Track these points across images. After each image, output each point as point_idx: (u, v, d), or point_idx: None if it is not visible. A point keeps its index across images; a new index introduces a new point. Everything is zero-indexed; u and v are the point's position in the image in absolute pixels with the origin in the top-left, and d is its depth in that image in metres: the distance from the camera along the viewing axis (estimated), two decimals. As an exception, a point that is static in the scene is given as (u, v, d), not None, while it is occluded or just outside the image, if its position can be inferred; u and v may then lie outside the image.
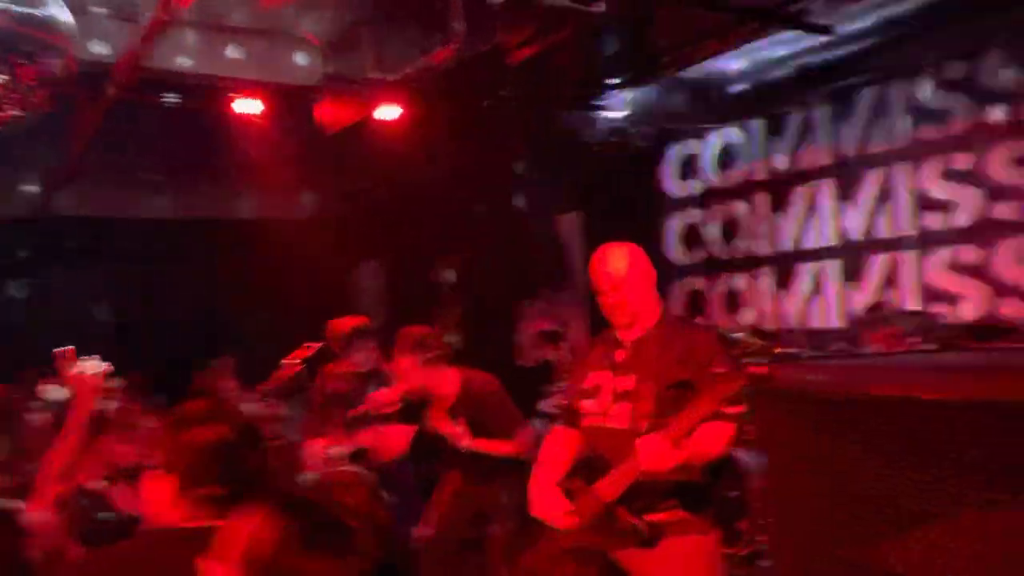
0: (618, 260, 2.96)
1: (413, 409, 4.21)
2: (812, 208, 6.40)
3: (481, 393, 4.03)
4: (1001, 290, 5.30)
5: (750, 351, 2.73)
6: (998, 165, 5.32)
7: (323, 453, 4.94)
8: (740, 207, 6.97)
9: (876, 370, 2.85)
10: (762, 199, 6.79)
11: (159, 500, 1.83)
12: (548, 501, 2.94)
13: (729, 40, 5.22)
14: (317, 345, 5.42)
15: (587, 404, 2.99)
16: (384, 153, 7.27)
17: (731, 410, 2.74)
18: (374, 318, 11.24)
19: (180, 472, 1.81)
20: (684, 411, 2.69)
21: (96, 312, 10.02)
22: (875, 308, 5.49)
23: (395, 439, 4.15)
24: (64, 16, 3.59)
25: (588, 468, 2.93)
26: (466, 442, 3.98)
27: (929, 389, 1.87)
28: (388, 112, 5.56)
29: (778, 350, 2.69)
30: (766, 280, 6.77)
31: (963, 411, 1.79)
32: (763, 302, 6.78)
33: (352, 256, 11.25)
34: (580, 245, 8.39)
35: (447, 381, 4.06)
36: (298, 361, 5.50)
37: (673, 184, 7.52)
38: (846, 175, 6.16)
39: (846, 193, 6.18)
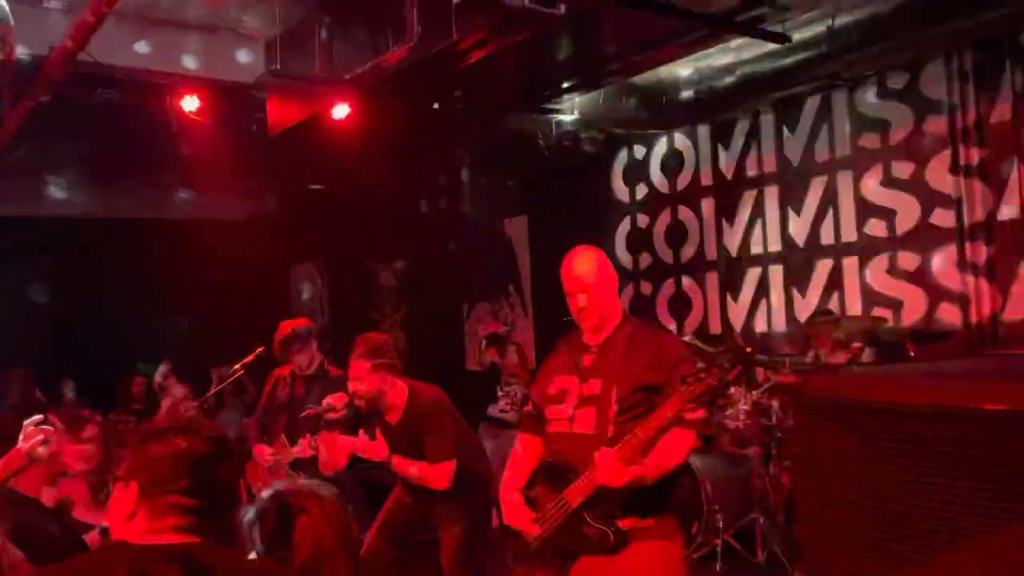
0: (588, 262, 2.96)
1: (361, 417, 4.12)
2: (758, 214, 6.50)
3: (426, 410, 3.96)
4: (938, 295, 5.46)
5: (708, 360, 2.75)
6: (936, 173, 5.48)
7: (268, 461, 4.81)
8: (687, 212, 7.04)
9: (911, 379, 2.86)
10: (708, 204, 6.87)
11: (120, 511, 1.71)
12: (514, 508, 2.91)
13: (683, 46, 5.26)
14: (257, 350, 5.27)
15: (553, 409, 2.96)
16: (329, 153, 7.12)
17: (691, 416, 2.75)
18: (315, 320, 11.09)
19: (144, 481, 1.70)
20: (645, 420, 2.68)
21: (25, 315, 9.60)
22: (823, 313, 5.59)
23: (340, 448, 4.04)
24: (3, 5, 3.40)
25: (554, 474, 2.89)
26: (383, 456, 3.91)
27: (973, 398, 1.86)
28: (337, 111, 5.44)
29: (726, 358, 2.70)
30: (712, 285, 6.85)
31: (1011, 421, 1.78)
32: (709, 306, 6.86)
33: (293, 257, 11.05)
34: (528, 248, 8.39)
35: (396, 391, 3.99)
36: (238, 366, 5.34)
37: (621, 189, 7.56)
38: (791, 182, 6.27)
39: (791, 200, 6.28)
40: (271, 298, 10.78)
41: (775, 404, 5.12)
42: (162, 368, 7.55)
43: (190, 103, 5.74)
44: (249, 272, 9.75)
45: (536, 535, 2.86)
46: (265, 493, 1.90)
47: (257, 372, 5.70)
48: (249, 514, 1.87)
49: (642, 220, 7.41)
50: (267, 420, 5.07)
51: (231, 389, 6.98)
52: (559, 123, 6.69)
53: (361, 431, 3.98)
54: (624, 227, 7.54)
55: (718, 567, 4.98)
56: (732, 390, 5.17)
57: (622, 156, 7.52)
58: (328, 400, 4.11)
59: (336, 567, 1.77)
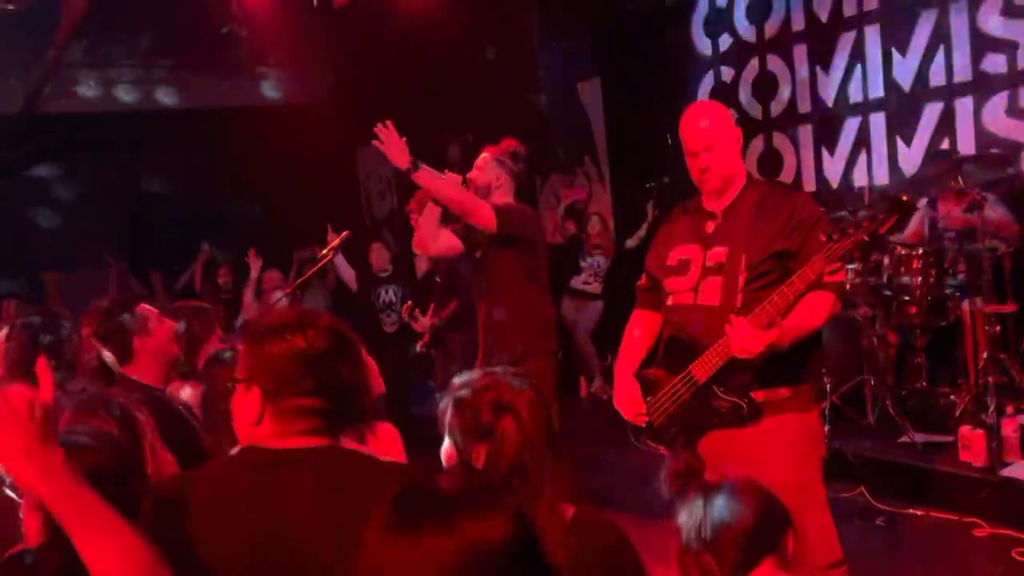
0: (712, 117, 2.70)
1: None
2: (857, 58, 6.00)
3: (517, 210, 3.88)
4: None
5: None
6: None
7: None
8: (776, 62, 6.56)
9: None
10: (801, 51, 6.37)
11: (245, 416, 1.61)
12: (627, 395, 2.78)
13: None
14: (344, 234, 5.17)
15: (673, 281, 2.78)
16: (393, 25, 6.81)
17: (831, 278, 2.53)
18: (384, 201, 11.02)
19: (266, 385, 1.57)
20: (785, 285, 2.48)
21: (95, 210, 9.74)
22: (938, 154, 5.16)
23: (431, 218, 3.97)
24: None
25: (678, 349, 2.75)
26: (405, 160, 3.71)
27: None
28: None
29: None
30: (806, 139, 6.44)
31: None
32: (803, 163, 6.48)
33: (360, 140, 10.85)
34: (602, 113, 8.00)
35: (501, 195, 3.87)
36: (327, 251, 5.26)
37: (702, 41, 7.06)
38: (895, 19, 5.73)
39: (895, 39, 5.76)
40: (340, 182, 10.71)
41: (885, 261, 4.84)
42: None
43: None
44: (318, 156, 9.64)
45: (660, 411, 2.75)
46: (461, 385, 1.76)
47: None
48: (443, 402, 1.76)
49: (727, 73, 6.94)
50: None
51: (316, 273, 6.97)
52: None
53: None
54: (707, 82, 7.09)
55: (827, 430, 4.87)
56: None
57: (702, 5, 6.99)
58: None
59: (543, 475, 1.65)
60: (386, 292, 7.12)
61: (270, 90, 9.55)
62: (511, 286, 3.83)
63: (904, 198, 2.38)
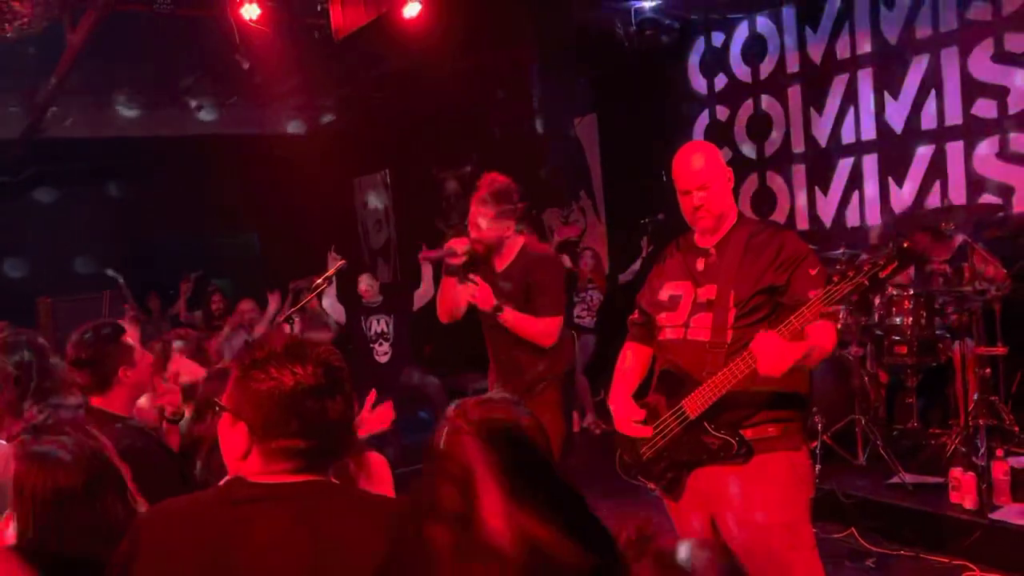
0: (705, 157, 2.73)
1: (472, 268, 3.80)
2: (850, 100, 6.09)
3: (538, 260, 3.72)
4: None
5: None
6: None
7: None
8: (771, 102, 6.65)
9: None
10: (795, 92, 6.46)
11: (233, 450, 1.60)
12: (626, 412, 2.79)
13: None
14: (339, 264, 5.19)
15: (665, 316, 2.80)
16: (393, 57, 6.89)
17: (828, 308, 2.55)
18: (380, 232, 11.05)
19: (252, 423, 1.55)
20: (796, 313, 2.45)
21: (94, 235, 9.76)
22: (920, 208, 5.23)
23: (456, 294, 3.78)
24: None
25: (670, 383, 2.76)
26: (491, 304, 3.59)
27: None
28: (408, 9, 5.17)
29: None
30: (799, 178, 6.51)
31: None
32: (796, 201, 6.54)
33: (357, 169, 10.93)
34: (598, 149, 8.09)
35: (513, 241, 3.72)
36: (321, 280, 5.28)
37: (698, 80, 7.16)
38: (888, 63, 5.83)
39: (888, 82, 5.85)
40: (337, 211, 10.76)
41: (876, 301, 4.87)
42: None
43: (250, 11, 5.53)
44: (315, 186, 9.70)
45: (649, 445, 2.75)
46: (457, 414, 1.75)
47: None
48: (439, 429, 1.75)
49: (721, 113, 7.03)
50: None
51: (312, 303, 6.98)
52: (634, 10, 6.31)
53: (478, 278, 3.69)
54: (702, 121, 7.18)
55: (818, 469, 4.86)
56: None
57: (699, 45, 7.09)
58: (451, 244, 3.73)
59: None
60: (377, 322, 7.13)
61: (270, 120, 9.63)
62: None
63: (906, 245, 2.40)
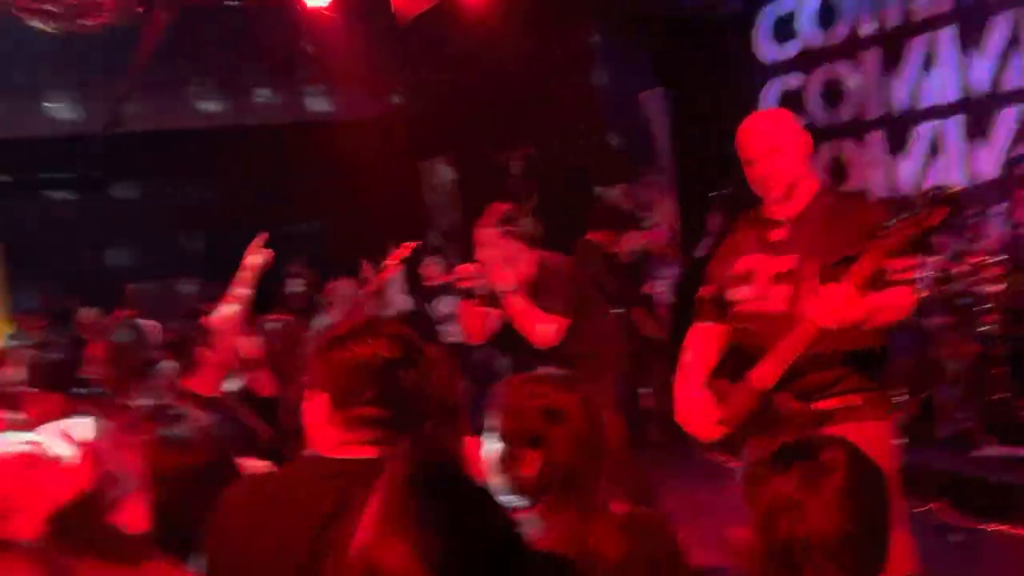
0: (772, 123, 2.67)
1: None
2: (930, 61, 5.85)
3: (548, 273, 3.78)
4: None
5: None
6: None
7: None
8: (845, 68, 6.44)
9: None
10: (870, 56, 6.24)
11: (315, 422, 1.66)
12: (693, 408, 2.75)
13: None
14: (413, 245, 5.26)
15: (739, 291, 2.74)
16: (456, 40, 6.91)
17: (904, 275, 2.46)
18: (447, 215, 11.14)
19: (332, 392, 1.61)
20: (854, 265, 2.34)
21: (169, 225, 10.07)
22: (1019, 159, 4.99)
23: (477, 319, 3.93)
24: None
25: (741, 357, 2.71)
26: (506, 285, 3.65)
27: None
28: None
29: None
30: (876, 145, 6.30)
31: None
32: (873, 169, 6.34)
33: (422, 153, 11.00)
34: (665, 123, 7.97)
35: (524, 260, 3.80)
36: (396, 262, 5.35)
37: (768, 48, 6.98)
38: (971, 20, 5.58)
39: (971, 41, 5.60)
40: (403, 195, 10.86)
41: (961, 270, 4.70)
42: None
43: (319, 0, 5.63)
44: (380, 171, 9.80)
45: (723, 421, 2.71)
46: (508, 388, 1.77)
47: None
48: (490, 404, 1.77)
49: (793, 81, 6.85)
50: None
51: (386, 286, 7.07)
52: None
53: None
54: (772, 90, 7.00)
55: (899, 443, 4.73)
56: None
57: (768, 11, 6.91)
58: (464, 268, 3.94)
59: (597, 479, 1.65)
60: (443, 304, 7.19)
61: (336, 107, 9.77)
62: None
63: (952, 191, 2.30)
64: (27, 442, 1.41)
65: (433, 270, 7.18)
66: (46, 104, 8.31)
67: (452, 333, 7.17)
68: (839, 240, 2.52)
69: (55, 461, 1.37)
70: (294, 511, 1.57)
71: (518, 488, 1.71)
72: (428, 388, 1.67)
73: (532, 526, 1.64)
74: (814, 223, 2.61)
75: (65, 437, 1.44)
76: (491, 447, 1.76)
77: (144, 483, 1.83)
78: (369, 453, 1.59)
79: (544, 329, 3.69)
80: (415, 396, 1.63)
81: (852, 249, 2.51)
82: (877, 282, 2.39)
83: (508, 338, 3.96)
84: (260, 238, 3.61)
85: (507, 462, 1.72)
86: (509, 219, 3.79)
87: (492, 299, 3.84)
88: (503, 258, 3.76)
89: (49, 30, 3.83)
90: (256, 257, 3.60)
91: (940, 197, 2.27)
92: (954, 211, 2.27)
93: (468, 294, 3.90)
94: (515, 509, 1.68)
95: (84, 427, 1.49)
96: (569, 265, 3.96)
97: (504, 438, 1.74)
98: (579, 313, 3.76)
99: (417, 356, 1.65)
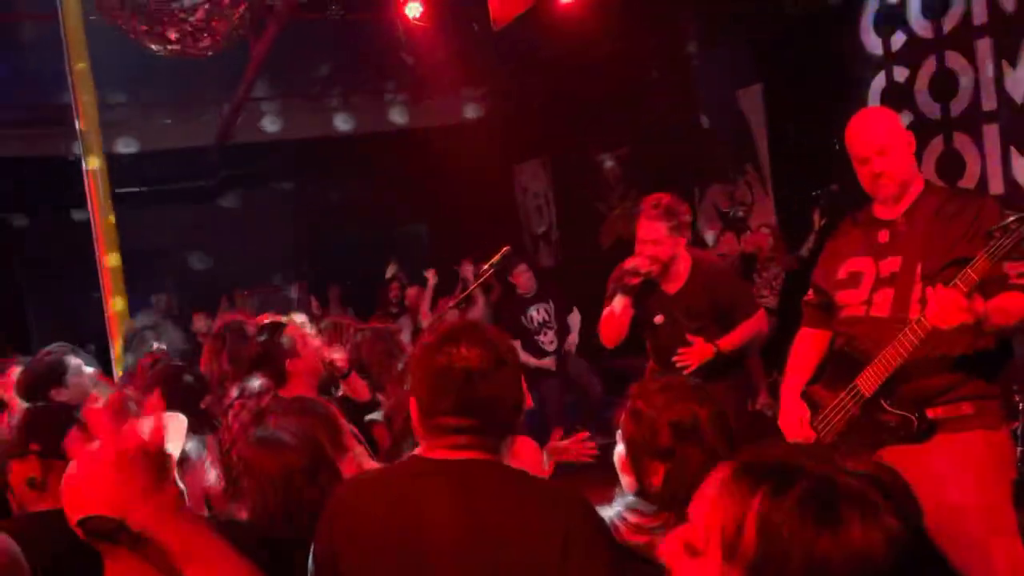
0: (883, 122, 2.61)
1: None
2: (1050, 49, 5.53)
3: (714, 271, 3.74)
4: None
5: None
6: None
7: None
8: (957, 58, 6.14)
9: None
10: (985, 45, 5.93)
11: (415, 424, 1.70)
12: (792, 413, 2.70)
13: None
14: (503, 250, 5.31)
15: (844, 295, 2.68)
16: (551, 43, 6.94)
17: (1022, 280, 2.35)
18: (541, 217, 11.19)
19: (420, 398, 1.65)
20: (969, 267, 2.28)
21: (274, 234, 10.48)
22: None
23: (620, 322, 3.74)
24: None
25: (846, 364, 2.64)
26: (710, 354, 3.53)
27: None
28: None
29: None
30: (992, 138, 5.99)
31: None
32: (989, 164, 6.02)
33: (517, 156, 11.10)
34: (764, 120, 7.78)
35: (683, 258, 3.68)
36: (486, 266, 5.42)
37: (872, 40, 6.73)
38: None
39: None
40: (498, 199, 10.99)
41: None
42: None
43: (414, 9, 5.76)
44: (477, 174, 9.94)
45: (827, 429, 2.65)
46: (640, 394, 1.76)
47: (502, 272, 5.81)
48: (623, 408, 1.77)
49: (900, 73, 6.57)
50: None
51: (479, 289, 7.19)
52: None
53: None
54: (878, 84, 6.73)
55: (1020, 451, 4.49)
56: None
57: (872, 3, 6.65)
58: (633, 262, 3.68)
59: None
60: (537, 311, 7.23)
61: (434, 113, 9.96)
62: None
63: None
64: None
65: (525, 278, 7.23)
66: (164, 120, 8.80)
67: (549, 341, 7.22)
68: (947, 241, 2.45)
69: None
70: (394, 509, 1.62)
71: (644, 494, 1.72)
72: (508, 396, 1.66)
73: (657, 535, 1.64)
74: (920, 224, 2.54)
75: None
76: (620, 448, 1.77)
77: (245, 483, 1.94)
78: (462, 455, 1.61)
79: (756, 325, 3.64)
80: (493, 404, 1.62)
81: (962, 251, 2.43)
82: (994, 285, 2.30)
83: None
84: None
85: (635, 468, 1.73)
86: (673, 212, 3.61)
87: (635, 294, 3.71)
88: (671, 255, 3.62)
89: (164, 54, 4.06)
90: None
91: None
92: None
93: (628, 291, 3.70)
94: (639, 513, 1.69)
95: (179, 424, 1.54)
96: (728, 265, 3.92)
97: (632, 445, 1.74)
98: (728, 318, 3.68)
99: (499, 365, 1.63)
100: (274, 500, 1.92)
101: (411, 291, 8.25)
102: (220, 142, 9.04)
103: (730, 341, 3.62)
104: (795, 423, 2.67)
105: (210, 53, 3.43)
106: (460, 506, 1.55)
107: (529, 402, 2.72)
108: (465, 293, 6.02)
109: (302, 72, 8.24)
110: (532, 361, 6.94)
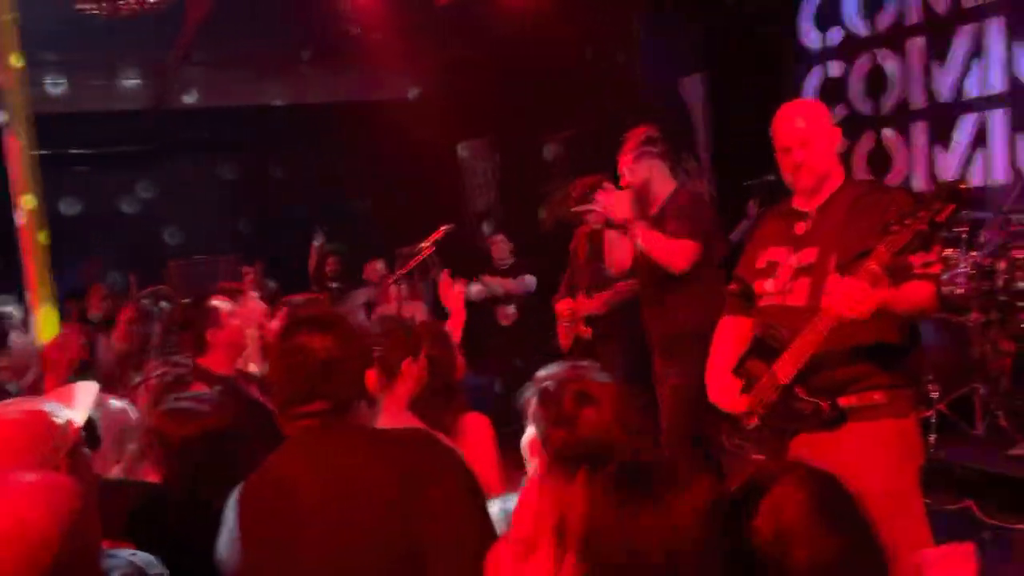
0: (807, 113, 2.68)
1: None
2: (977, 51, 5.72)
3: (683, 200, 3.81)
4: None
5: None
6: None
7: (566, 315, 4.85)
8: (889, 56, 6.32)
9: None
10: (916, 45, 6.12)
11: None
12: (723, 386, 2.77)
13: None
14: (445, 227, 5.30)
15: (763, 284, 2.76)
16: (496, 19, 6.91)
17: (926, 270, 2.45)
18: (484, 196, 11.17)
19: (273, 386, 1.76)
20: (868, 259, 2.34)
21: (208, 204, 10.24)
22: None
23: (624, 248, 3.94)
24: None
25: (763, 351, 2.72)
26: (623, 217, 3.60)
27: None
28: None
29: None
30: (919, 135, 6.19)
31: None
32: (915, 160, 6.23)
33: (462, 134, 11.04)
34: (706, 109, 7.90)
35: (663, 183, 3.85)
36: (430, 243, 5.40)
37: (810, 35, 6.88)
38: (1020, 10, 5.44)
39: (1020, 31, 5.47)
40: (443, 177, 10.92)
41: (1002, 266, 4.62)
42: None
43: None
44: (422, 151, 9.86)
45: (748, 416, 2.72)
46: (547, 377, 1.82)
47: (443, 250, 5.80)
48: (528, 392, 1.82)
49: (835, 68, 6.74)
50: (573, 277, 5.05)
51: (419, 268, 7.16)
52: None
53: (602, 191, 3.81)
54: (814, 78, 6.90)
55: (932, 439, 4.70)
56: (949, 251, 4.72)
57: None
58: (598, 196, 3.87)
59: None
60: (499, 285, 7.26)
61: (378, 87, 9.84)
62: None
63: (961, 186, 2.29)
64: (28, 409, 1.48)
65: (500, 249, 7.26)
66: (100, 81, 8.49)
67: (508, 315, 7.22)
68: (860, 233, 2.52)
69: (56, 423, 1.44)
70: (265, 475, 1.72)
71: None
72: (353, 376, 1.75)
73: None
74: (836, 215, 2.62)
75: (68, 400, 1.52)
76: (528, 432, 1.81)
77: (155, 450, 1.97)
78: (314, 423, 1.71)
79: (678, 247, 3.64)
80: (341, 386, 1.71)
81: (872, 242, 2.51)
82: (899, 275, 2.38)
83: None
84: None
85: (542, 445, 1.76)
86: (646, 140, 3.85)
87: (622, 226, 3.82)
88: (641, 180, 3.81)
89: (97, 13, 3.93)
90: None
91: (947, 193, 2.26)
92: (960, 207, 2.27)
93: (609, 224, 3.95)
94: None
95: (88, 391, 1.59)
96: (704, 198, 3.95)
97: (537, 422, 1.77)
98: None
99: (343, 348, 1.72)
100: (181, 466, 1.96)
101: (375, 265, 8.14)
102: (155, 107, 8.79)
103: (643, 231, 3.64)
104: (728, 395, 2.72)
105: (142, 13, 3.32)
106: (317, 469, 1.64)
107: (461, 373, 2.76)
108: (404, 270, 6.00)
109: (244, 39, 8.05)
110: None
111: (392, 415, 2.35)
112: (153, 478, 2.04)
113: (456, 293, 3.41)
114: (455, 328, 3.17)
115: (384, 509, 1.56)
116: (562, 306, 4.89)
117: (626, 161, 3.84)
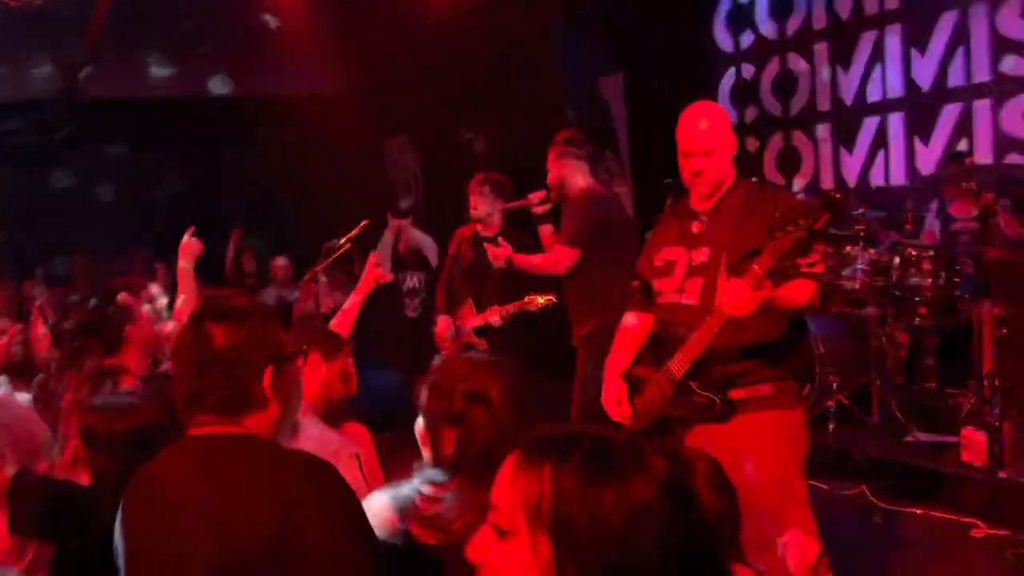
0: (713, 121, 2.75)
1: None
2: (877, 57, 5.99)
3: (575, 197, 3.98)
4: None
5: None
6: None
7: (447, 330, 4.47)
8: (797, 60, 6.56)
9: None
10: (822, 50, 6.36)
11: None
12: (612, 393, 2.85)
13: None
14: (363, 223, 5.28)
15: (661, 282, 2.84)
16: (417, 16, 6.90)
17: (812, 270, 2.58)
18: (408, 193, 11.13)
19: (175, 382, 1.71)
20: (754, 261, 2.46)
21: (103, 194, 9.93)
22: (954, 156, 5.16)
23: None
24: None
25: (660, 347, 2.81)
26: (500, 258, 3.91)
27: None
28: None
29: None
30: (825, 137, 6.44)
31: None
32: (821, 161, 6.48)
33: (384, 130, 10.96)
34: (624, 108, 8.03)
35: (579, 182, 4.01)
36: (343, 240, 5.37)
37: (724, 38, 7.08)
38: (916, 19, 5.71)
39: (915, 39, 5.74)
40: (367, 173, 10.83)
41: (896, 261, 4.85)
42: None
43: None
44: (345, 147, 9.77)
45: (644, 411, 2.80)
46: (439, 369, 1.82)
47: (363, 246, 5.77)
48: (421, 384, 1.81)
49: (747, 71, 6.96)
50: (453, 285, 4.64)
51: (338, 264, 7.11)
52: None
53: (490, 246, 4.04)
54: (728, 79, 7.11)
55: (830, 428, 4.91)
56: (848, 248, 4.93)
57: (724, 2, 7.00)
58: (530, 196, 4.15)
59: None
60: (410, 278, 7.25)
61: (299, 82, 9.69)
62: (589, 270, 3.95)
63: (837, 196, 2.43)
64: None
65: (409, 240, 7.26)
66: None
67: (414, 307, 7.24)
68: (748, 234, 2.62)
69: None
70: (151, 479, 1.67)
71: (438, 464, 1.78)
72: (247, 374, 1.65)
73: (447, 502, 1.70)
74: (727, 216, 2.72)
75: None
76: (419, 422, 1.83)
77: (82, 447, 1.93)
78: (207, 431, 1.64)
79: (552, 257, 3.93)
80: (233, 387, 1.63)
81: (759, 243, 2.62)
82: (784, 275, 2.50)
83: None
84: (189, 230, 3.55)
85: (431, 438, 1.79)
86: (568, 141, 4.05)
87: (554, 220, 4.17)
88: (557, 179, 4.00)
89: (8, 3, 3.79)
90: (189, 246, 3.49)
91: (824, 202, 2.39)
92: (836, 216, 2.40)
93: (541, 220, 4.19)
94: (434, 484, 1.75)
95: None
96: (598, 198, 4.06)
97: (429, 415, 1.80)
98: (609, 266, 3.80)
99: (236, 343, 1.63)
100: (109, 462, 1.92)
101: (278, 261, 8.07)
102: (64, 96, 8.49)
103: (520, 259, 3.95)
104: (613, 402, 2.81)
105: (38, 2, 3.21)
106: (199, 476, 1.59)
107: (353, 389, 2.77)
108: (323, 265, 5.95)
109: (159, 28, 7.84)
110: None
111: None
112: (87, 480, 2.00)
113: (368, 279, 3.40)
114: (348, 317, 3.24)
115: (259, 528, 1.51)
116: (440, 329, 4.51)
117: (548, 159, 4.04)
